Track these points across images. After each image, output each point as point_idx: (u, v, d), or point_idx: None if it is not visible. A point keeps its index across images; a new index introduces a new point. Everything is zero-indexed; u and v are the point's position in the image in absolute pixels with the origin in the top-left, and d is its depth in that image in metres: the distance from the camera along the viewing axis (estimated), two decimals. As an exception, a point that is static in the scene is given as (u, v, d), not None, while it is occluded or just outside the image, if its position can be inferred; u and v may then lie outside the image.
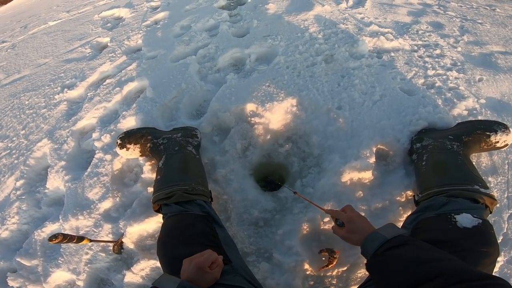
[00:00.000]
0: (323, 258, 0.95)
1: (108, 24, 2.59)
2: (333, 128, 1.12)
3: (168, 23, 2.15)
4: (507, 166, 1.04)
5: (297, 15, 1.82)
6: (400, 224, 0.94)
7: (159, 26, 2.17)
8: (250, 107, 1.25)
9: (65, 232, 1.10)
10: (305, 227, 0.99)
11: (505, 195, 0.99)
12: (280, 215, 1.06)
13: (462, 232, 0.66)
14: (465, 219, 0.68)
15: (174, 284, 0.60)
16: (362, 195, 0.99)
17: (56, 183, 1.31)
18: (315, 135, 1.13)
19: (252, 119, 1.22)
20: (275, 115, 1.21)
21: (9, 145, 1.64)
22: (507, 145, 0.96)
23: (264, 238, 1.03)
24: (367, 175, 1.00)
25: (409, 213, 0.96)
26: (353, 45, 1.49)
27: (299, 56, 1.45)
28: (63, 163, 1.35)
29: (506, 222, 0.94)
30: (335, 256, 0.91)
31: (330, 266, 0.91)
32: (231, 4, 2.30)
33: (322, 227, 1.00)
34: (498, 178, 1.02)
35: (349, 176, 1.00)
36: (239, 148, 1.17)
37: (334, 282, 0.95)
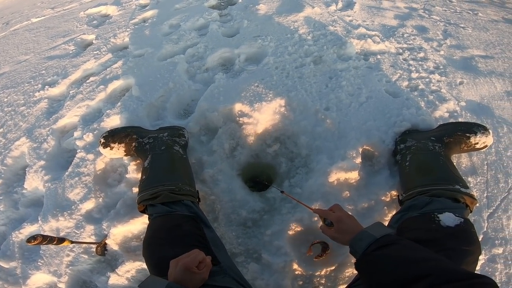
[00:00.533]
0: (312, 252, 0.95)
1: (94, 22, 2.52)
2: (321, 129, 1.13)
3: (156, 21, 2.11)
4: (486, 166, 1.08)
5: (287, 16, 1.83)
6: (385, 223, 0.97)
7: (147, 24, 2.12)
8: (238, 107, 1.24)
9: (45, 234, 1.07)
10: (293, 227, 0.99)
11: (485, 195, 1.03)
12: (269, 215, 1.06)
13: (445, 231, 0.68)
14: (448, 218, 0.70)
15: (161, 286, 0.59)
16: (348, 195, 1.00)
17: (34, 183, 1.26)
18: (303, 136, 1.13)
19: (241, 119, 1.21)
20: (264, 115, 1.21)
21: (-15, 144, 1.55)
22: (486, 146, 1.00)
23: (253, 239, 1.03)
24: (353, 176, 1.02)
25: (394, 212, 0.98)
26: (341, 47, 1.51)
27: (288, 57, 1.46)
28: (42, 162, 1.30)
29: (485, 221, 0.97)
30: (328, 247, 0.93)
31: (324, 256, 0.93)
32: (222, 4, 2.29)
33: (310, 227, 1.00)
34: (477, 178, 1.05)
35: (336, 176, 1.01)
36: (227, 148, 1.16)
37: (323, 282, 0.96)
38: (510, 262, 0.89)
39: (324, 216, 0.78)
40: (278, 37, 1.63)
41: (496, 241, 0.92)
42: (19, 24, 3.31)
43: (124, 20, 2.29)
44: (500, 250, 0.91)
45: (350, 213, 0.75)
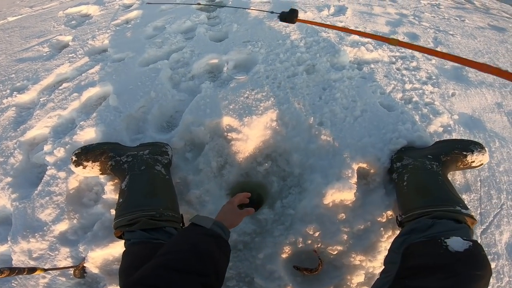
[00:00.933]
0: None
1: (73, 22, 2.35)
2: (315, 146, 1.07)
3: (140, 23, 1.99)
4: (479, 183, 1.09)
5: (278, 20, 1.77)
6: (382, 245, 0.94)
7: (130, 25, 1.99)
8: (226, 120, 1.17)
9: (15, 256, 1.01)
10: (286, 250, 0.95)
11: (478, 211, 1.03)
12: (260, 237, 1.01)
13: (454, 257, 0.65)
14: (456, 243, 0.67)
15: (210, 222, 0.68)
16: (344, 217, 0.96)
17: (1, 201, 1.16)
18: (296, 153, 1.08)
19: (229, 134, 1.14)
20: (254, 131, 1.14)
21: None
22: (482, 164, 0.99)
23: (244, 262, 0.98)
24: (349, 196, 0.97)
25: (390, 233, 0.97)
26: (335, 55, 1.47)
27: (280, 65, 1.39)
28: (9, 179, 1.19)
29: (479, 237, 0.97)
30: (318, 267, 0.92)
31: (316, 272, 0.92)
32: (210, 6, 2.19)
33: (304, 249, 0.96)
34: (471, 195, 1.05)
35: (332, 198, 0.97)
36: (214, 167, 1.09)
37: (317, 306, 0.91)
38: (502, 276, 0.91)
39: None
40: (269, 43, 1.56)
41: (489, 256, 0.92)
42: (-6, 22, 3.07)
43: (105, 21, 2.15)
44: (493, 265, 0.91)
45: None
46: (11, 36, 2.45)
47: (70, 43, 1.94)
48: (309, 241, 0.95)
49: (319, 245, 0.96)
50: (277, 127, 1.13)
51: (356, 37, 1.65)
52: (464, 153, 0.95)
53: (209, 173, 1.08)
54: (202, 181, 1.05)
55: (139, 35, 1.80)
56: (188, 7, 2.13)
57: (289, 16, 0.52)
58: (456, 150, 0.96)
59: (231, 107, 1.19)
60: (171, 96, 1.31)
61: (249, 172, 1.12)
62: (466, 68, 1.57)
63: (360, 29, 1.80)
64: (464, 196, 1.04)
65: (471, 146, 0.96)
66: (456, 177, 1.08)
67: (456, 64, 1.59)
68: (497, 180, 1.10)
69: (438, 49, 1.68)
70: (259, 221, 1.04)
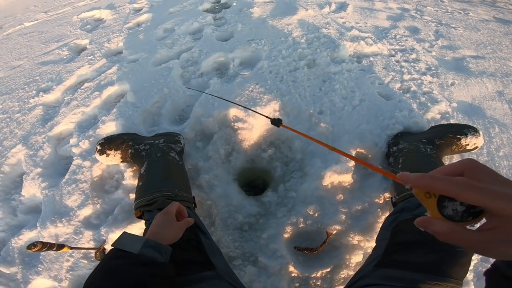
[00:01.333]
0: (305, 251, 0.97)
1: (88, 26, 2.50)
2: (315, 133, 1.14)
3: (151, 26, 2.11)
4: None
5: (281, 19, 1.84)
6: (378, 226, 0.98)
7: (141, 28, 2.12)
8: (233, 112, 1.25)
9: (44, 240, 1.08)
10: (289, 230, 1.01)
11: None
12: (264, 219, 1.07)
13: None
14: None
15: (139, 243, 0.55)
16: (342, 198, 1.01)
17: (32, 190, 1.26)
18: (298, 140, 1.15)
19: (236, 124, 1.22)
20: (258, 121, 1.22)
21: (-18, 151, 1.54)
22: (477, 147, 1.01)
23: (249, 242, 1.04)
24: (347, 179, 1.03)
25: (387, 214, 0.99)
26: (335, 50, 1.52)
27: (282, 60, 1.47)
28: (39, 169, 1.30)
29: None
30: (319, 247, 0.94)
31: (315, 252, 0.94)
32: (216, 7, 2.29)
33: (305, 230, 1.02)
34: (468, 178, 1.08)
35: (330, 179, 1.02)
36: (222, 154, 1.17)
37: (319, 283, 0.97)
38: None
39: (443, 193, 0.29)
40: (272, 41, 1.64)
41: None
42: (12, 28, 3.28)
43: (118, 25, 2.28)
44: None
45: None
46: (30, 41, 2.62)
47: (87, 46, 2.08)
48: (310, 222, 1.01)
49: (319, 226, 1.01)
50: (279, 117, 1.21)
51: (356, 32, 1.70)
52: (458, 136, 0.97)
53: (218, 159, 1.16)
54: (211, 167, 1.13)
55: (150, 37, 1.92)
56: (194, 9, 2.24)
57: (276, 122, 0.76)
58: (450, 134, 0.98)
59: (237, 99, 1.27)
60: (183, 92, 1.41)
61: (255, 159, 1.20)
62: (467, 58, 1.58)
63: (361, 24, 1.84)
64: (460, 180, 1.08)
65: (465, 130, 0.98)
66: (454, 161, 1.11)
67: (456, 55, 1.61)
68: (497, 164, 1.10)
69: (439, 42, 1.70)
70: (264, 203, 1.11)
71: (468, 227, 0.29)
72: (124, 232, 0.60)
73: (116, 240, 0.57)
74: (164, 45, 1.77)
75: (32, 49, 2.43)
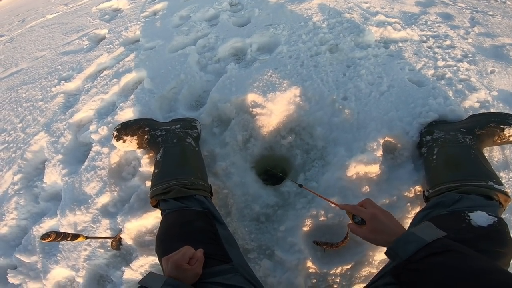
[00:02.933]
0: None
1: (106, 16, 2.54)
2: (338, 120, 1.07)
3: (167, 14, 2.10)
4: None
5: (300, 3, 1.76)
6: (408, 221, 0.92)
7: (157, 16, 2.11)
8: (251, 97, 1.20)
9: (62, 229, 1.11)
10: (308, 223, 0.96)
11: None
12: (283, 210, 1.03)
13: (476, 231, 0.62)
14: (480, 217, 0.64)
15: (160, 282, 0.60)
16: (368, 190, 0.95)
17: (53, 177, 1.29)
18: (319, 127, 1.08)
19: (254, 110, 1.17)
20: (278, 106, 1.16)
21: (7, 138, 1.62)
22: None
23: (266, 235, 1.00)
24: (374, 169, 0.96)
25: (418, 210, 0.93)
26: (359, 34, 1.43)
27: (302, 45, 1.39)
28: (60, 156, 1.33)
29: None
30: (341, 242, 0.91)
31: (336, 247, 0.91)
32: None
33: (326, 223, 0.96)
34: (510, 173, 0.98)
35: (355, 170, 0.96)
36: (240, 140, 1.13)
37: (338, 280, 0.92)
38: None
39: (354, 213, 0.68)
40: (291, 26, 1.56)
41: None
42: (35, 21, 3.42)
43: (135, 14, 2.30)
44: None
45: (385, 210, 0.67)
46: (52, 32, 2.71)
47: (106, 36, 2.11)
48: (331, 214, 0.96)
49: (340, 219, 0.96)
50: (300, 102, 1.15)
51: (382, 17, 1.59)
52: (502, 126, 0.88)
53: (235, 146, 1.12)
54: (228, 154, 1.10)
55: (166, 25, 1.90)
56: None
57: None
58: (492, 124, 0.89)
59: (255, 84, 1.22)
60: (199, 77, 1.38)
61: (273, 146, 1.15)
62: (507, 46, 1.44)
63: (387, 10, 1.71)
64: (501, 174, 0.97)
65: (509, 119, 0.89)
66: (494, 154, 1.01)
67: (495, 43, 1.47)
68: (542, 158, 1.01)
69: (475, 29, 1.55)
70: (282, 193, 1.06)
71: (363, 227, 0.66)
72: (150, 272, 0.65)
73: (142, 279, 0.63)
74: (180, 32, 1.74)
75: (54, 40, 2.51)
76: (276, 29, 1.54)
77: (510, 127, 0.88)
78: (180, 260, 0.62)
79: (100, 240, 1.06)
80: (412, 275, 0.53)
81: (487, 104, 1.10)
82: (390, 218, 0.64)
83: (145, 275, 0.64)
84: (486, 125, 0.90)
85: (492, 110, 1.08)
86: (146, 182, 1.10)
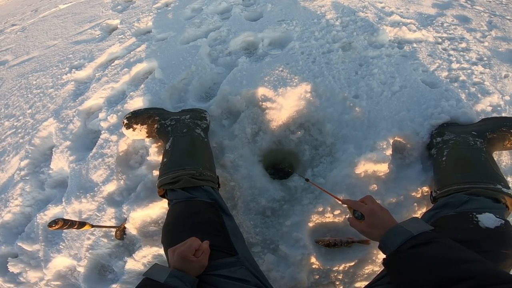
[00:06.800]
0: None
1: (119, 7, 2.55)
2: (349, 117, 1.07)
3: (179, 6, 2.10)
4: None
5: (313, 0, 1.75)
6: None
7: (170, 8, 2.11)
8: (261, 91, 1.20)
9: (67, 217, 1.08)
10: (314, 219, 0.96)
11: None
12: (289, 205, 1.03)
13: (483, 233, 0.63)
14: (488, 219, 0.64)
15: (165, 273, 0.61)
16: (376, 188, 0.95)
17: (60, 163, 1.29)
18: (329, 123, 1.08)
19: (264, 103, 1.17)
20: (288, 101, 1.16)
21: (15, 124, 1.63)
22: None
23: (271, 229, 1.00)
24: (382, 168, 0.95)
25: (425, 210, 0.93)
26: (373, 34, 1.42)
27: (314, 42, 1.38)
28: (68, 143, 1.33)
29: None
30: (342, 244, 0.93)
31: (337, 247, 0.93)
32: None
33: (332, 220, 0.96)
34: (519, 178, 0.96)
35: (364, 168, 0.95)
36: (248, 133, 1.13)
37: (340, 277, 0.92)
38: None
39: (354, 208, 0.72)
40: (303, 22, 1.56)
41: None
42: (48, 10, 3.44)
43: (147, 5, 2.30)
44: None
45: (383, 206, 0.70)
46: (65, 22, 2.72)
47: (118, 26, 2.12)
48: (338, 211, 0.96)
49: (347, 216, 0.95)
50: (311, 98, 1.14)
51: (397, 17, 1.57)
52: None
53: (244, 139, 1.12)
54: (237, 146, 1.10)
55: (179, 17, 1.91)
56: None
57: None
58: (504, 128, 0.89)
59: (266, 79, 1.22)
60: (210, 69, 1.38)
61: (282, 140, 1.15)
62: (524, 50, 1.42)
63: (402, 10, 1.70)
64: (509, 179, 0.96)
65: None
66: (503, 158, 1.00)
67: (511, 47, 1.45)
68: (554, 165, 1.00)
69: (492, 33, 1.53)
70: (289, 188, 1.06)
71: (362, 222, 0.69)
72: (155, 264, 0.66)
73: (147, 270, 0.63)
74: (192, 24, 1.74)
75: (66, 30, 2.52)
76: (289, 24, 1.54)
77: None
78: (186, 251, 0.63)
79: (104, 229, 1.05)
80: (398, 263, 0.58)
81: (499, 108, 1.09)
82: (386, 214, 0.67)
83: (150, 266, 0.65)
84: (498, 129, 0.90)
85: (504, 115, 1.08)
86: (154, 171, 1.10)
